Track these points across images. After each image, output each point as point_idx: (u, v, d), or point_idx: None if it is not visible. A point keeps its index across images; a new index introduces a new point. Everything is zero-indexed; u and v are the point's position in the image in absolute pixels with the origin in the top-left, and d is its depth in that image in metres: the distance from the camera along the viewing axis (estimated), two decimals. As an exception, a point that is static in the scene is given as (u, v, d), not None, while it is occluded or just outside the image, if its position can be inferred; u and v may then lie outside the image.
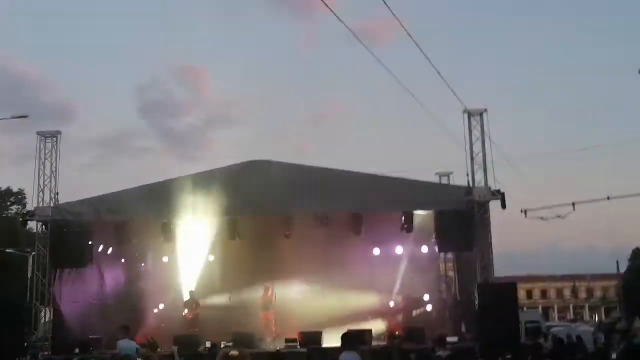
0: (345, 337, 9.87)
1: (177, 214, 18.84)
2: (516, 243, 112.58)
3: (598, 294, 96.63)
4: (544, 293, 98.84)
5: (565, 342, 14.92)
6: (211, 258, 22.52)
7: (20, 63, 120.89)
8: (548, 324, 34.11)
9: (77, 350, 16.96)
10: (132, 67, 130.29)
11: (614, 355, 13.39)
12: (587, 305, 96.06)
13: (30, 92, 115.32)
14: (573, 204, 21.22)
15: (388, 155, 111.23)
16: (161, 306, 22.08)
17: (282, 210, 18.74)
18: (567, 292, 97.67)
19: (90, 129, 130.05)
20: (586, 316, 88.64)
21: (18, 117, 22.55)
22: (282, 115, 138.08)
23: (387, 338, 18.40)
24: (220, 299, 22.06)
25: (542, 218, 21.71)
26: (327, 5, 8.06)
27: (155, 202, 18.51)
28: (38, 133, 19.64)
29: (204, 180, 18.78)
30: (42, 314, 18.85)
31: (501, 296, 16.95)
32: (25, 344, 18.02)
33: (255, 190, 18.10)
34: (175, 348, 16.39)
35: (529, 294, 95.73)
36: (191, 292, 21.60)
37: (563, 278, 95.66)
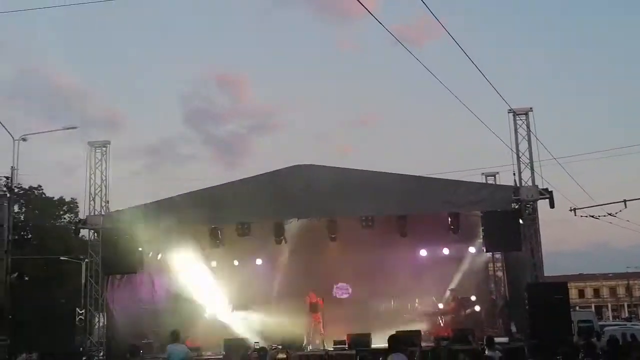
0: (392, 339, 9.86)
1: (224, 219, 19.12)
2: (567, 243, 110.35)
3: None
4: (596, 292, 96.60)
5: (620, 341, 14.60)
6: (259, 262, 22.77)
7: (65, 74, 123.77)
8: (601, 323, 33.32)
9: (128, 355, 17.32)
10: (175, 75, 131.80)
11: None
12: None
13: (77, 103, 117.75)
14: (625, 201, 20.66)
15: (433, 156, 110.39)
16: (211, 310, 22.37)
17: (327, 213, 18.83)
18: (620, 291, 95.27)
19: (136, 138, 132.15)
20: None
21: (69, 129, 23.18)
22: (324, 119, 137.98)
23: (435, 339, 18.27)
24: (268, 302, 22.26)
25: (592, 216, 21.19)
26: (365, 8, 8.06)
27: (202, 208, 18.77)
28: (89, 143, 20.13)
29: (249, 186, 19.00)
30: (96, 319, 19.29)
31: (552, 295, 16.69)
32: (81, 348, 18.51)
33: (301, 194, 18.23)
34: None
35: (581, 293, 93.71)
36: (240, 296, 21.85)
37: (616, 276, 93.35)
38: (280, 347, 17.74)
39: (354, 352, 17.42)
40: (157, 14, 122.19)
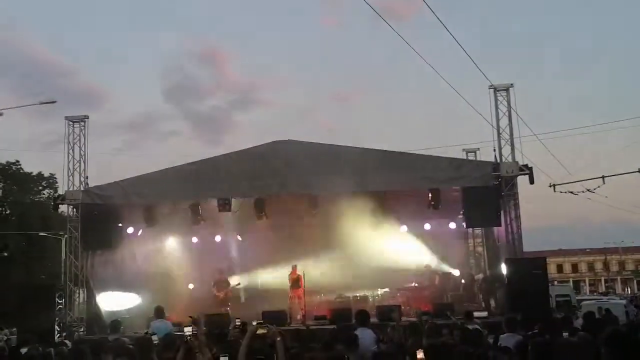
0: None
1: (204, 195, 19.05)
2: (546, 218, 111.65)
3: (630, 266, 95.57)
4: (575, 267, 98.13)
5: (597, 315, 14.80)
6: (239, 238, 22.75)
7: (45, 49, 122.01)
8: (579, 297, 33.87)
9: (109, 331, 17.33)
10: (156, 50, 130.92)
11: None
12: (618, 278, 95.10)
13: (57, 78, 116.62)
14: (603, 177, 20.91)
15: (414, 132, 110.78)
16: (191, 286, 22.37)
17: (307, 189, 18.80)
18: (598, 266, 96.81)
19: (117, 113, 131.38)
20: (618, 289, 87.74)
21: (46, 103, 22.87)
22: (307, 95, 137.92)
23: (416, 314, 18.43)
24: (249, 278, 22.31)
25: (571, 192, 21.43)
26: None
27: (183, 184, 18.70)
28: (66, 118, 19.92)
29: (229, 162, 18.94)
30: (77, 295, 19.23)
31: (530, 270, 16.86)
32: (62, 324, 18.45)
33: (281, 170, 18.19)
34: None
35: (560, 268, 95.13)
36: (221, 272, 21.86)
37: (594, 252, 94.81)
38: (261, 322, 17.76)
39: (334, 326, 17.50)
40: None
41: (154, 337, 8.26)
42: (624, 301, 30.05)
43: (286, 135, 19.47)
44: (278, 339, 5.05)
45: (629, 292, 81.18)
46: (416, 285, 22.16)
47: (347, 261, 21.83)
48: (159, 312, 14.55)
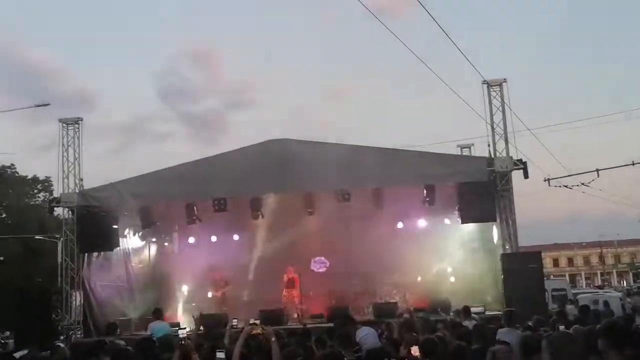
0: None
1: (199, 195, 19.04)
2: (541, 213, 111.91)
3: (625, 259, 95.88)
4: (570, 261, 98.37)
5: (592, 308, 14.89)
6: (236, 237, 22.75)
7: (37, 51, 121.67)
8: (575, 291, 33.98)
9: (105, 333, 17.31)
10: (149, 51, 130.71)
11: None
12: (614, 271, 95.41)
13: (49, 80, 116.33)
14: (597, 171, 20.92)
15: (408, 129, 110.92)
16: (189, 286, 22.36)
17: (303, 187, 18.81)
18: (594, 259, 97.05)
19: (111, 115, 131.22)
20: (614, 282, 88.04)
21: (40, 106, 22.79)
22: (301, 94, 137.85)
23: (412, 311, 18.48)
24: (246, 278, 22.32)
25: (566, 186, 21.46)
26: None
27: (178, 184, 18.67)
28: (60, 120, 19.89)
29: (224, 162, 18.92)
30: (73, 298, 19.22)
31: (526, 265, 16.94)
32: (59, 327, 18.45)
33: (276, 169, 18.17)
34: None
35: (556, 262, 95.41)
36: (218, 271, 21.88)
37: (589, 245, 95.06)
38: (257, 322, 17.77)
39: (332, 324, 17.52)
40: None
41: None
42: (619, 294, 30.19)
43: (281, 135, 19.41)
44: (273, 338, 5.06)
45: (625, 284, 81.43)
46: (412, 281, 22.19)
47: (344, 259, 21.87)
48: (158, 314, 14.60)
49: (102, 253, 19.66)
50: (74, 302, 19.17)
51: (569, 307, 19.23)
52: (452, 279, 22.26)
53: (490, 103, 18.30)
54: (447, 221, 21.68)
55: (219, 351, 6.35)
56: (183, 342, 6.11)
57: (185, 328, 14.72)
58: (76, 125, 19.86)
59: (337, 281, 21.66)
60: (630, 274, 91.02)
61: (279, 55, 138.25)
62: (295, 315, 19.92)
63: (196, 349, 6.24)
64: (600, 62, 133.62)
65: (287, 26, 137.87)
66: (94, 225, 18.89)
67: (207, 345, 6.78)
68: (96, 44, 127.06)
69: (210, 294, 22.00)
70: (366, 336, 8.95)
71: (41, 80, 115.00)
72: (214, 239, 22.75)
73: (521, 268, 16.74)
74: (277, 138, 19.20)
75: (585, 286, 76.32)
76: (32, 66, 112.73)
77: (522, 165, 17.80)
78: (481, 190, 17.84)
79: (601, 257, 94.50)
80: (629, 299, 28.29)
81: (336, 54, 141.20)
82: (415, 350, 6.37)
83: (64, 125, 19.79)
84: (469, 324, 11.76)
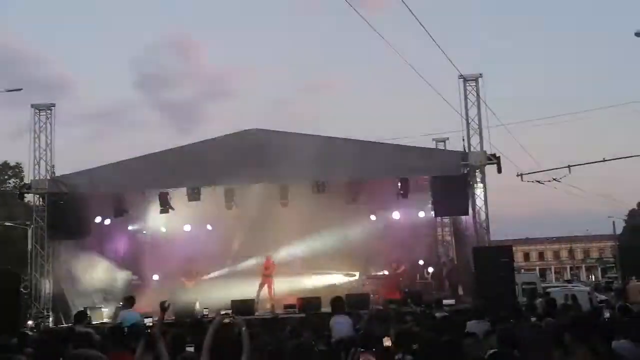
0: (334, 301, 10.08)
1: (173, 183, 18.90)
2: (513, 207, 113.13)
3: (594, 254, 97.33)
4: (541, 255, 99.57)
5: (562, 302, 15.07)
6: (209, 227, 22.65)
7: (13, 36, 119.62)
8: (545, 285, 34.39)
9: (74, 321, 17.09)
10: (126, 39, 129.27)
11: (607, 314, 13.57)
12: (583, 266, 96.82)
13: (24, 66, 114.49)
14: (569, 167, 21.20)
15: (385, 122, 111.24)
16: (160, 276, 22.22)
17: (277, 178, 18.75)
18: (564, 254, 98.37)
19: (86, 102, 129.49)
20: (583, 277, 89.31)
21: (12, 90, 22.37)
22: (279, 85, 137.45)
23: (384, 302, 18.58)
24: (219, 268, 22.27)
25: (538, 182, 21.68)
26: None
27: (151, 173, 18.53)
28: (32, 106, 19.56)
29: (199, 151, 18.80)
30: (43, 286, 18.96)
31: (497, 258, 17.08)
32: (28, 315, 18.20)
33: (251, 159, 18.09)
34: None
35: (526, 256, 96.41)
36: (190, 261, 21.77)
37: (560, 240, 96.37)
38: (228, 312, 17.74)
39: (304, 315, 17.56)
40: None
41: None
42: (588, 288, 30.62)
43: (258, 125, 19.31)
44: (244, 328, 5.03)
45: (593, 279, 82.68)
46: (385, 273, 22.32)
47: (316, 250, 21.89)
48: (129, 302, 14.43)
49: (73, 241, 19.42)
50: (43, 290, 18.91)
51: (539, 301, 19.45)
52: (427, 272, 22.48)
53: (465, 97, 18.41)
54: (421, 214, 21.81)
55: (189, 346, 6.31)
56: (149, 331, 6.07)
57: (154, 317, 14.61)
58: (49, 111, 19.54)
59: (310, 272, 21.71)
60: (599, 268, 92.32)
61: (257, 46, 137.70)
62: (269, 306, 19.91)
63: (163, 337, 6.20)
64: (577, 58, 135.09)
65: (266, 17, 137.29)
66: (65, 213, 18.66)
67: (176, 334, 6.75)
68: (73, 30, 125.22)
69: (182, 283, 21.87)
70: (340, 325, 8.99)
71: (16, 66, 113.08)
72: (187, 228, 22.61)
73: (493, 262, 16.88)
74: (251, 128, 19.11)
75: (555, 280, 77.29)
76: (5, 51, 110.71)
77: (495, 160, 17.93)
78: (455, 183, 17.99)
79: (571, 252, 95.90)
80: (596, 294, 28.68)
81: (315, 46, 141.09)
82: (387, 342, 6.39)
83: (37, 110, 19.47)
84: (439, 314, 11.88)
